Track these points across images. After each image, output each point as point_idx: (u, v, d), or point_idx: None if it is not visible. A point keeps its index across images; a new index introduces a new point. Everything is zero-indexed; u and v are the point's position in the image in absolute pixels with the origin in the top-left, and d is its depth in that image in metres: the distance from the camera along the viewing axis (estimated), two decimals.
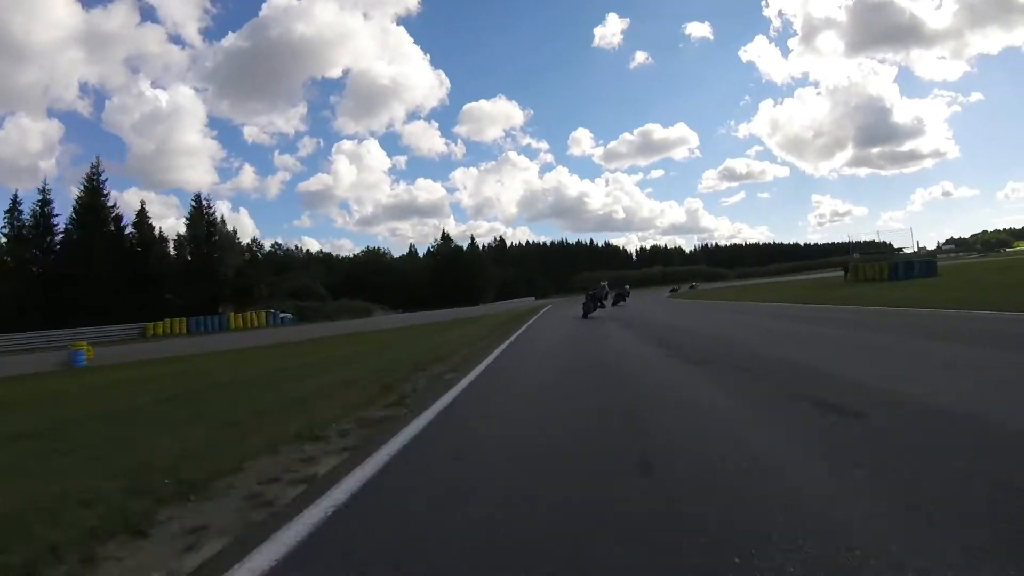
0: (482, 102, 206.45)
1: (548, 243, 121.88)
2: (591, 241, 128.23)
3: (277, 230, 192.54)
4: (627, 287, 35.58)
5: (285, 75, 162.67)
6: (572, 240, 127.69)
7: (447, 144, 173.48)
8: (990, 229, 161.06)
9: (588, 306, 23.34)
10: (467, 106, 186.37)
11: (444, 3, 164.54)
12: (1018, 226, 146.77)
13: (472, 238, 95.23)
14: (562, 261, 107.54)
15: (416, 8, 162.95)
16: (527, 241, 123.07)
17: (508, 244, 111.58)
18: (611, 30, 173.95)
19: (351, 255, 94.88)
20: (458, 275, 76.22)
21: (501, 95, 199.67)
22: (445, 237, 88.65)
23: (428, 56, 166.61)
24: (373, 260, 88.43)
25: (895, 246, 48.35)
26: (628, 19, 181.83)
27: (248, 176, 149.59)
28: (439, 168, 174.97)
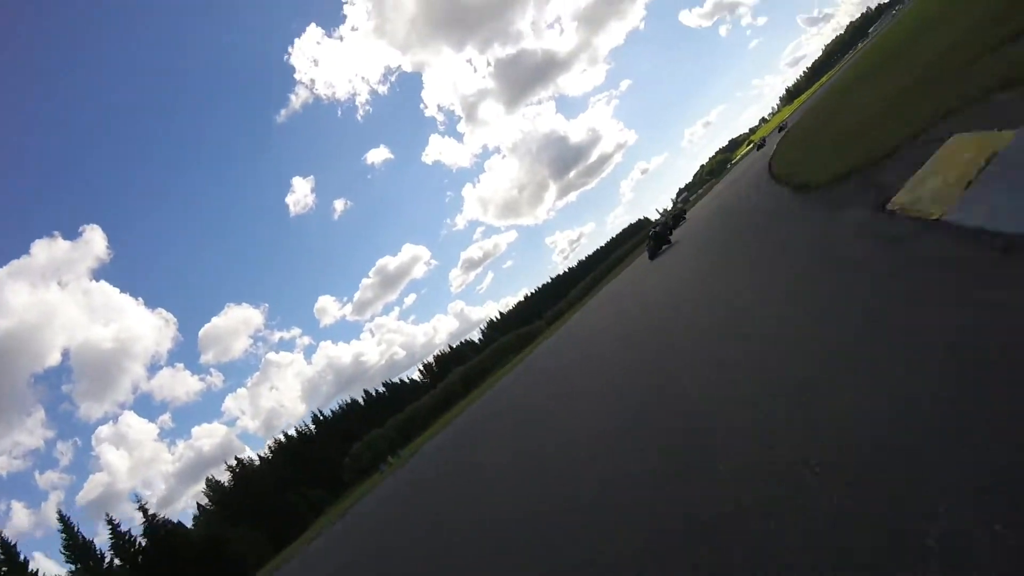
0: (214, 320, 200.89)
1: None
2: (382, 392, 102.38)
3: None
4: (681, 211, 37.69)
5: (5, 383, 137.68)
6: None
7: (202, 379, 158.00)
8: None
9: (654, 248, 24.20)
10: (202, 330, 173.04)
11: (131, 240, 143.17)
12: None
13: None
14: (368, 422, 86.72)
15: (106, 255, 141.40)
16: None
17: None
18: (301, 193, 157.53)
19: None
20: None
21: (229, 304, 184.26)
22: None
23: (140, 299, 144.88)
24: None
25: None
26: (312, 176, 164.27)
27: (20, 515, 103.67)
28: (205, 407, 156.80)
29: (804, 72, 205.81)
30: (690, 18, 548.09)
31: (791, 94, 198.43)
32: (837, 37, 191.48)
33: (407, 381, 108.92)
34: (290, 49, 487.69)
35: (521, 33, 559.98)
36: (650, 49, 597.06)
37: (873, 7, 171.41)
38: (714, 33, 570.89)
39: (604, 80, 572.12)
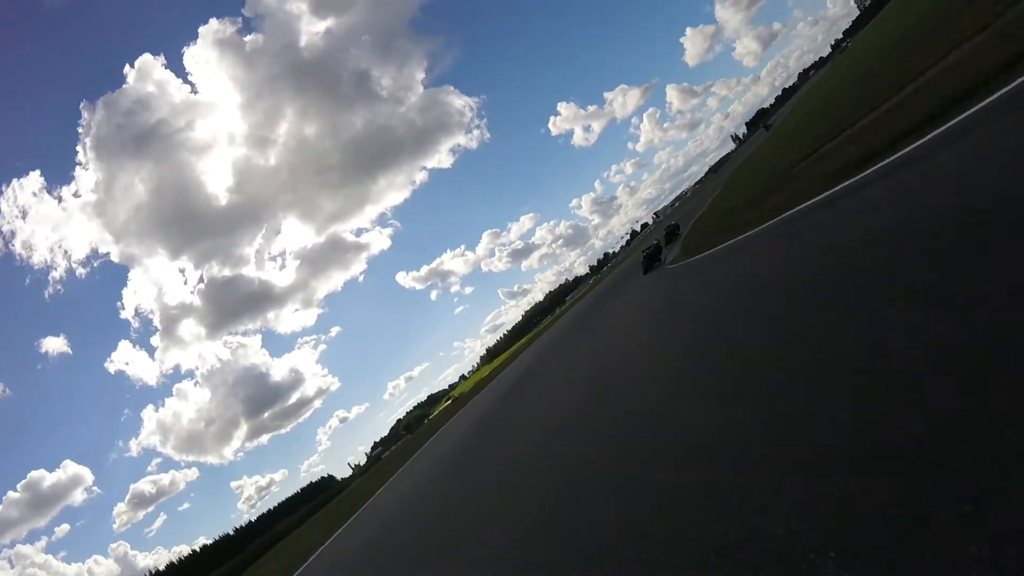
0: None
1: None
2: None
3: None
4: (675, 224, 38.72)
5: None
6: None
7: None
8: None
9: (647, 265, 27.00)
10: None
11: None
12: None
13: None
14: None
15: None
16: None
17: None
18: None
19: None
20: None
21: None
22: None
23: None
24: None
25: None
26: None
27: None
28: None
29: (503, 336, 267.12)
30: (406, 279, 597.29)
31: (491, 354, 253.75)
32: (535, 304, 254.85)
33: None
34: (4, 188, 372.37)
35: (243, 258, 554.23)
36: (365, 301, 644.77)
37: (570, 279, 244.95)
38: (426, 296, 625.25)
39: (315, 323, 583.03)
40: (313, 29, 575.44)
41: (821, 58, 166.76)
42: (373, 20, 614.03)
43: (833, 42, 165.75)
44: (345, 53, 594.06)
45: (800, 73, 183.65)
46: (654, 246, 28.32)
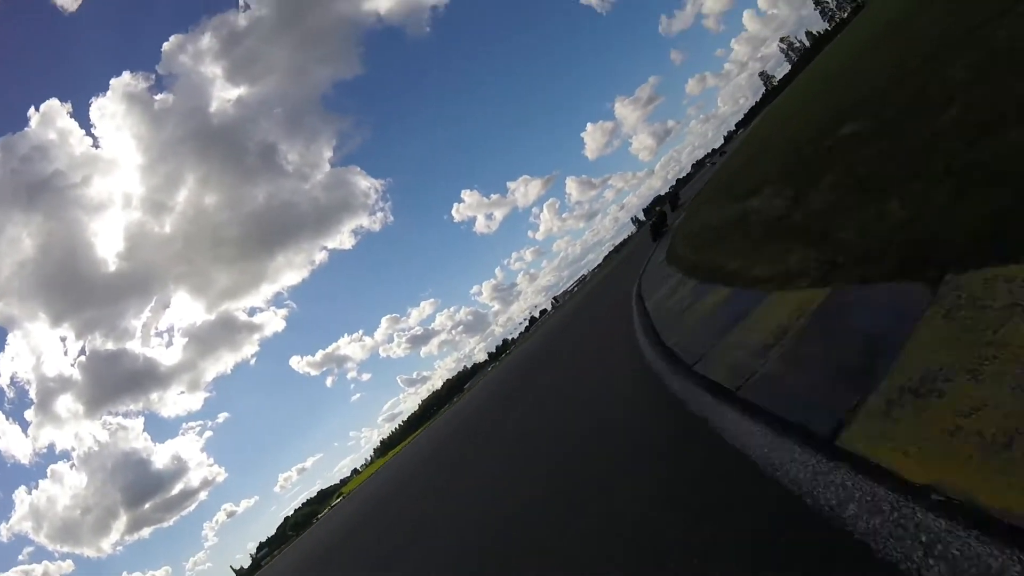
0: None
1: None
2: None
3: None
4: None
5: None
6: None
7: None
8: None
9: (654, 233, 30.49)
10: None
11: None
12: None
13: None
14: None
15: None
16: None
17: None
18: None
19: None
20: None
21: None
22: None
23: None
24: None
25: None
26: None
27: None
28: None
29: (399, 426, 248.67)
30: (301, 364, 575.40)
31: (384, 446, 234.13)
32: (433, 392, 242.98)
33: None
34: None
35: (129, 331, 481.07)
36: (256, 386, 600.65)
37: (469, 366, 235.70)
38: (321, 382, 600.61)
39: (201, 407, 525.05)
40: (225, 95, 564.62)
41: (713, 149, 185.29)
42: (286, 93, 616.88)
43: (726, 133, 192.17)
44: (254, 123, 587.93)
45: (693, 164, 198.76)
46: (659, 213, 31.50)
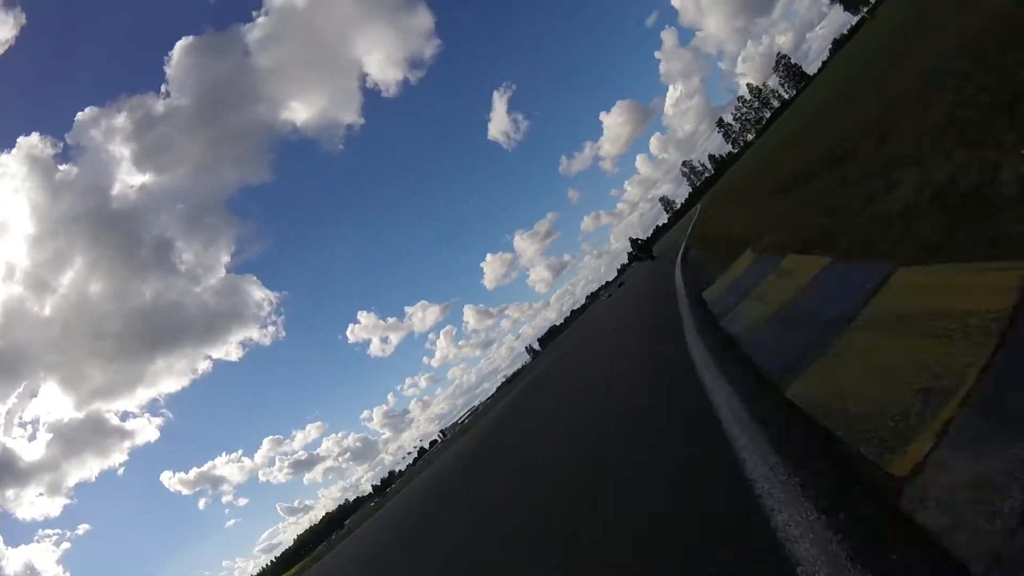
0: None
1: None
2: None
3: None
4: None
5: None
6: None
7: None
8: None
9: (636, 257, 41.39)
10: None
11: None
12: None
13: None
14: None
15: None
16: None
17: None
18: None
19: None
20: None
21: None
22: None
23: None
24: None
25: None
26: None
27: None
28: None
29: (274, 560, 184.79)
30: (172, 480, 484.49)
31: None
32: (312, 526, 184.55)
33: None
34: None
35: None
36: (122, 499, 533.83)
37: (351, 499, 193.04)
38: (193, 502, 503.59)
39: (61, 514, 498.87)
40: (130, 180, 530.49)
41: (608, 282, 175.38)
42: (191, 188, 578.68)
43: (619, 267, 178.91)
44: (154, 215, 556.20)
45: (587, 296, 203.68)
46: (642, 242, 44.18)
